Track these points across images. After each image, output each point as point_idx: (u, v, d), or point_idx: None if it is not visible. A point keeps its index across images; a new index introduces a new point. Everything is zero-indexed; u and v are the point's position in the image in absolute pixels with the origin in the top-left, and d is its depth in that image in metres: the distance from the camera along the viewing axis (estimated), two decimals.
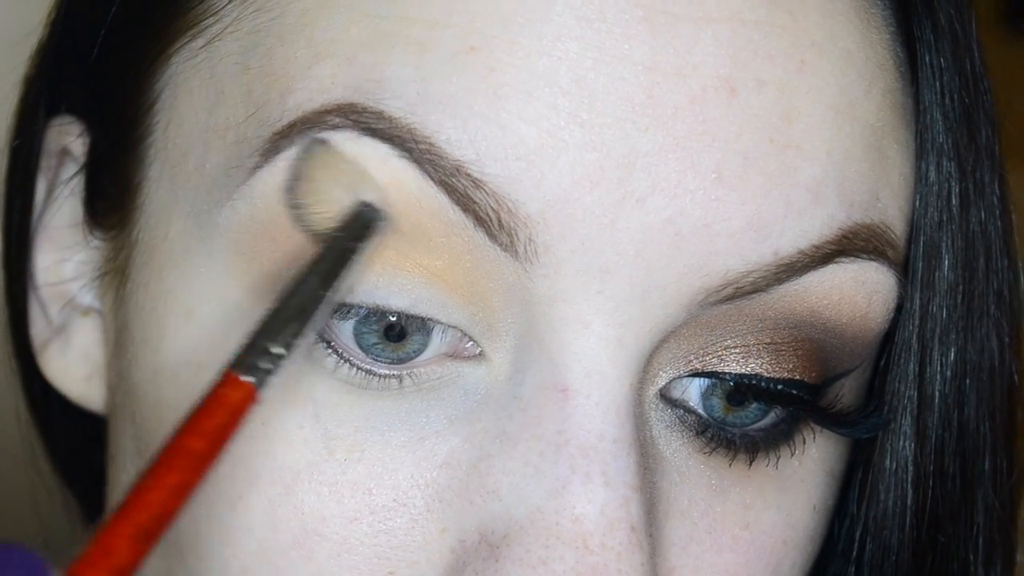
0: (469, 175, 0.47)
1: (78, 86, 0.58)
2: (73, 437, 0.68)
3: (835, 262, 0.50)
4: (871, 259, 0.51)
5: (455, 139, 0.47)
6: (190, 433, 0.43)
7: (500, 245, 0.48)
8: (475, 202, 0.47)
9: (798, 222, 0.49)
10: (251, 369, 0.44)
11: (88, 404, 0.60)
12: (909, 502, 0.56)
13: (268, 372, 0.44)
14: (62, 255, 0.59)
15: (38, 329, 0.61)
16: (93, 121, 0.58)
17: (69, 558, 0.41)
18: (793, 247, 0.49)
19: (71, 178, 0.59)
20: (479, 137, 0.47)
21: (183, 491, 0.42)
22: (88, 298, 0.59)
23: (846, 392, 0.54)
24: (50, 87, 0.61)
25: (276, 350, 0.44)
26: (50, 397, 0.65)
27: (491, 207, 0.47)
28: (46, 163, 0.61)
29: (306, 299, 0.46)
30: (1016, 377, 0.58)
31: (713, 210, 0.48)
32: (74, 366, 0.60)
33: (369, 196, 0.47)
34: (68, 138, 0.59)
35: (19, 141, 0.62)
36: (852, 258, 0.51)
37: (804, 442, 0.53)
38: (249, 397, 0.43)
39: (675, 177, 0.48)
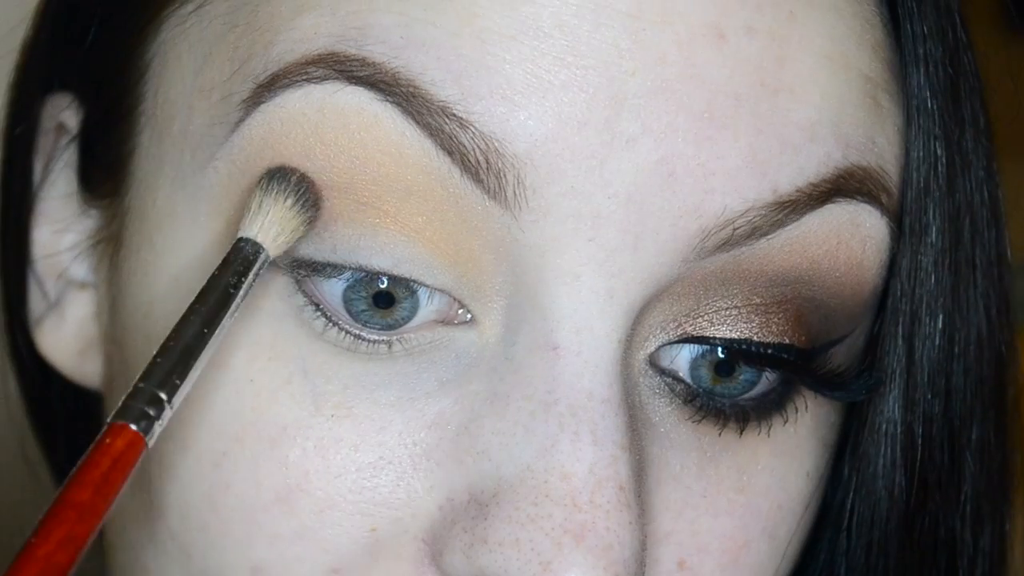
0: (455, 115, 0.47)
1: (72, 60, 0.59)
2: (68, 423, 0.68)
3: (832, 202, 0.50)
4: (866, 202, 0.51)
5: (439, 80, 0.47)
6: (75, 485, 0.41)
7: (488, 192, 0.48)
8: (462, 144, 0.47)
9: (794, 158, 0.49)
10: (137, 416, 0.43)
11: (83, 380, 0.60)
12: (898, 463, 0.56)
13: (155, 418, 0.44)
14: (58, 226, 0.59)
15: (34, 304, 0.61)
16: (87, 94, 0.58)
17: None
18: (791, 184, 0.49)
19: (66, 145, 0.59)
20: (464, 77, 0.47)
21: (72, 544, 0.40)
22: (83, 271, 0.59)
23: (838, 356, 0.54)
24: (46, 62, 0.61)
25: (162, 395, 0.44)
26: (48, 381, 0.65)
27: (478, 148, 0.47)
28: (43, 140, 0.61)
29: (190, 341, 0.46)
30: (1004, 350, 0.58)
31: (706, 149, 0.48)
32: (68, 340, 0.60)
33: (254, 232, 0.48)
34: (62, 111, 0.59)
35: (14, 118, 0.62)
36: (848, 199, 0.51)
37: (796, 411, 0.53)
38: (135, 444, 0.43)
39: (665, 118, 0.48)
